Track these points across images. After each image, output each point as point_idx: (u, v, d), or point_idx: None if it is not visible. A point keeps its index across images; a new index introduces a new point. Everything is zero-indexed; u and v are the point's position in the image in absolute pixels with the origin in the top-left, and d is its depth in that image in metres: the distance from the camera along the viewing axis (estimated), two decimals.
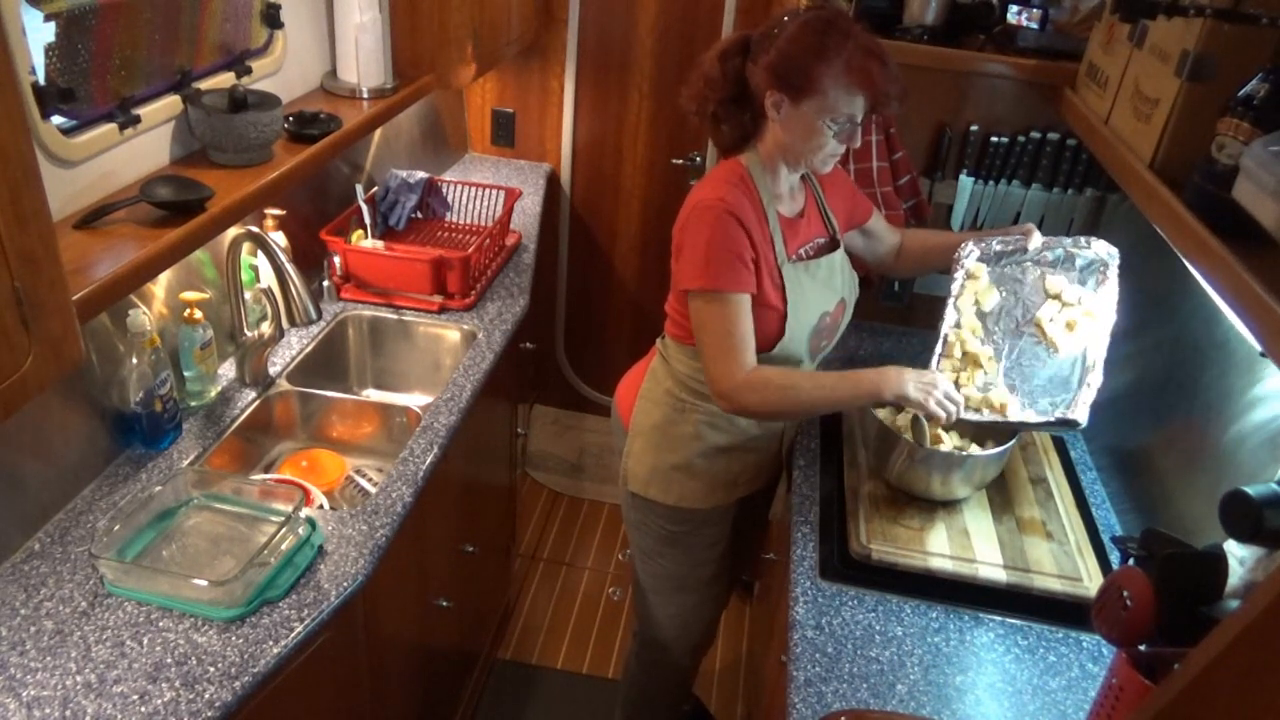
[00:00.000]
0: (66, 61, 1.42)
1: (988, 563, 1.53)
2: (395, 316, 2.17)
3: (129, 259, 1.37)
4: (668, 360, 1.74)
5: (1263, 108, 1.03)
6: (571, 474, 3.32)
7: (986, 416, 1.60)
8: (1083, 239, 1.66)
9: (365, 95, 2.13)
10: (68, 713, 1.18)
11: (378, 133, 2.40)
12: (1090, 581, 1.50)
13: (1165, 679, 0.82)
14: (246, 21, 1.86)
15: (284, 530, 1.41)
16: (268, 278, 1.81)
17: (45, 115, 1.35)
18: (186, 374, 1.73)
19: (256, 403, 1.82)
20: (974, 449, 1.69)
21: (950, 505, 1.65)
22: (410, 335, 2.20)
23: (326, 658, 1.41)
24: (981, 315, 1.66)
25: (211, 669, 1.25)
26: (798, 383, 1.56)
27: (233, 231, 1.71)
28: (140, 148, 1.59)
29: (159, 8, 1.60)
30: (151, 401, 1.57)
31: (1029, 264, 1.67)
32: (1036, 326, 1.64)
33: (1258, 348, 1.02)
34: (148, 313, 1.57)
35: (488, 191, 2.53)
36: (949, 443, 1.69)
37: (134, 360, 1.54)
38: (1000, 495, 1.69)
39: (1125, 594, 1.04)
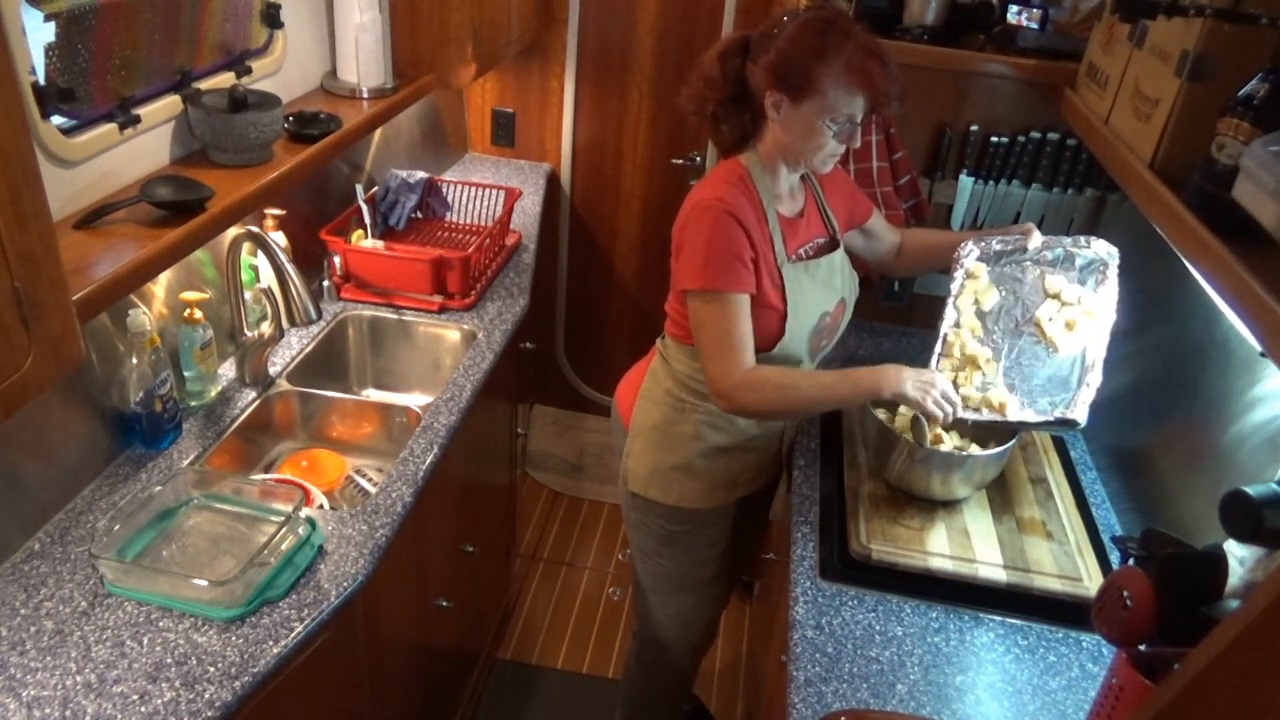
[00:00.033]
0: (66, 61, 1.42)
1: (988, 563, 1.53)
2: (395, 316, 2.17)
3: (129, 259, 1.37)
4: (668, 360, 1.74)
5: (1263, 108, 1.03)
6: (571, 474, 3.32)
7: (986, 416, 1.59)
8: (1082, 239, 1.66)
9: (365, 95, 2.13)
10: (68, 713, 1.18)
11: (378, 133, 2.40)
12: (1090, 581, 1.50)
13: (1165, 679, 0.82)
14: (246, 21, 1.86)
15: (284, 530, 1.41)
16: (268, 278, 1.81)
17: (45, 115, 1.35)
18: (186, 374, 1.73)
19: (256, 403, 1.82)
20: (974, 449, 1.69)
21: (950, 505, 1.65)
22: (410, 335, 2.19)
23: (326, 658, 1.41)
24: (981, 315, 1.66)
25: (211, 669, 1.25)
26: (796, 382, 1.56)
27: (233, 231, 1.71)
28: (140, 148, 1.59)
29: (159, 8, 1.60)
30: (151, 401, 1.57)
31: (1029, 263, 1.67)
32: (1036, 326, 1.64)
33: (1258, 348, 1.02)
34: (148, 313, 1.57)
35: (488, 191, 2.53)
36: (949, 443, 1.69)
37: (134, 360, 1.54)
38: (1000, 495, 1.69)
39: (1125, 594, 1.04)
